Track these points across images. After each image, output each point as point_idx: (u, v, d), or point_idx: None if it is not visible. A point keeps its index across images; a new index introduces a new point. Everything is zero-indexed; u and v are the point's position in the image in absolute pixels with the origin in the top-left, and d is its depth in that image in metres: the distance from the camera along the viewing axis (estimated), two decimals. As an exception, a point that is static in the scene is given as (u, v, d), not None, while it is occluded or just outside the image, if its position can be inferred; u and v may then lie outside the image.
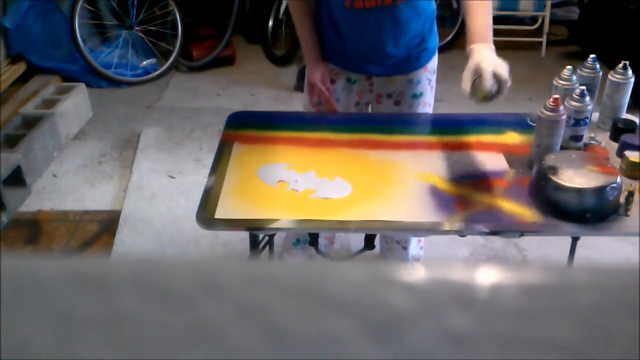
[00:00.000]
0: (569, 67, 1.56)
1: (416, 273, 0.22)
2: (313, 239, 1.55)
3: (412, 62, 1.65)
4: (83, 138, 3.16)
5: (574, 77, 1.56)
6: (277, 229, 1.34)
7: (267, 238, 1.77)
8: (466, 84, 1.35)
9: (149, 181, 2.72)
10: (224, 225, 1.29)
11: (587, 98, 1.44)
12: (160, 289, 0.21)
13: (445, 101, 1.77)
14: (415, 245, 2.01)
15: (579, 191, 1.23)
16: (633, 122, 1.57)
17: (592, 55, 1.60)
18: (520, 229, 1.25)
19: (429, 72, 1.69)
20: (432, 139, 1.62)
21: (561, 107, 1.36)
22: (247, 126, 1.64)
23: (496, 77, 1.34)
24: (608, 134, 1.58)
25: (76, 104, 3.18)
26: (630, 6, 3.61)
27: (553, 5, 4.31)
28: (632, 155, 1.39)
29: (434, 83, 1.73)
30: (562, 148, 1.43)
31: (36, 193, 2.65)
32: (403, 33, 1.58)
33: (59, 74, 3.58)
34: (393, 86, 1.69)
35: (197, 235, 2.27)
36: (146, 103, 3.58)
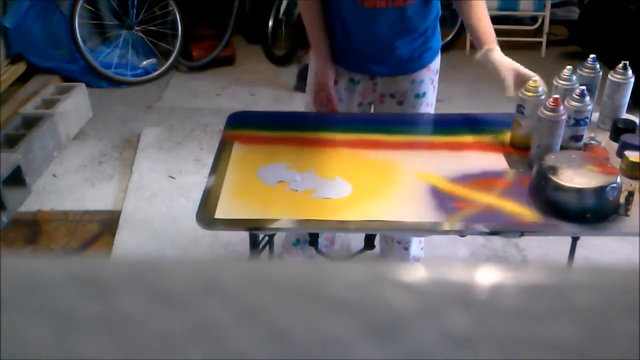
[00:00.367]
0: (569, 67, 1.56)
1: (416, 273, 0.22)
2: (313, 239, 1.55)
3: (415, 61, 1.65)
4: (83, 138, 3.16)
5: (574, 77, 1.56)
6: (277, 229, 1.34)
7: (267, 238, 1.77)
8: (513, 89, 1.47)
9: (149, 181, 2.72)
10: (224, 225, 1.29)
11: (587, 98, 1.44)
12: (160, 289, 0.21)
13: (446, 101, 1.77)
14: (416, 246, 2.01)
15: (579, 191, 1.23)
16: (633, 122, 1.57)
17: (592, 55, 1.60)
18: (520, 229, 1.25)
19: (432, 72, 1.70)
20: (432, 139, 1.62)
21: (561, 107, 1.36)
22: (247, 126, 1.64)
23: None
24: (608, 134, 1.58)
25: (76, 104, 3.18)
26: (630, 6, 3.61)
27: (553, 5, 4.31)
28: (632, 155, 1.39)
29: (436, 83, 1.73)
30: (562, 148, 1.43)
31: (36, 193, 2.65)
32: (409, 33, 1.59)
33: (59, 74, 3.58)
34: (396, 86, 1.69)
35: (197, 236, 2.27)
36: (146, 103, 3.58)
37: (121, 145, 3.08)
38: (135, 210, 2.51)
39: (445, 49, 3.85)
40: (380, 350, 0.19)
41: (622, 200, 1.28)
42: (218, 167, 1.43)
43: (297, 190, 1.35)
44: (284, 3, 4.00)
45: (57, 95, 3.14)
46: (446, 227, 1.25)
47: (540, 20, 4.27)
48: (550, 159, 1.30)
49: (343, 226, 1.28)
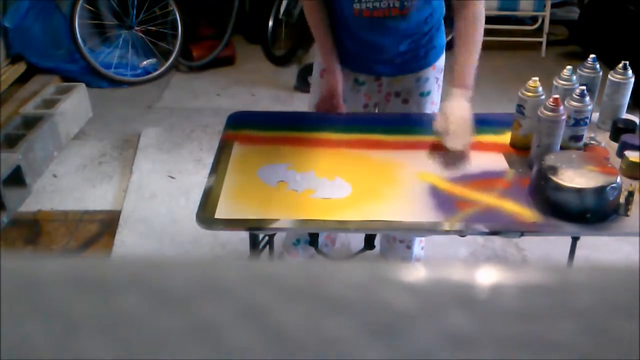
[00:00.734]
0: (569, 67, 1.56)
1: (416, 273, 0.22)
2: (313, 239, 1.55)
3: (420, 60, 1.65)
4: (83, 138, 3.16)
5: (574, 77, 1.56)
6: (277, 229, 1.34)
7: (267, 238, 1.77)
8: (440, 130, 1.46)
9: (149, 181, 2.72)
10: (224, 225, 1.29)
11: (587, 98, 1.44)
12: (160, 289, 0.21)
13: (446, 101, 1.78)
14: (417, 246, 2.00)
15: (579, 191, 1.23)
16: (633, 122, 1.57)
17: (592, 55, 1.60)
18: (520, 229, 1.25)
19: (437, 71, 1.70)
20: (433, 139, 1.62)
21: (561, 107, 1.36)
22: (247, 126, 1.64)
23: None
24: (608, 134, 1.58)
25: (76, 104, 3.18)
26: (630, 6, 3.61)
27: (553, 5, 4.31)
28: (632, 155, 1.39)
29: (441, 82, 1.73)
30: (562, 148, 1.43)
31: (36, 193, 2.65)
32: (412, 36, 1.59)
33: (59, 74, 3.58)
34: (401, 84, 1.69)
35: (197, 236, 2.27)
36: (146, 103, 3.58)
37: (121, 145, 3.08)
38: (135, 210, 2.51)
39: (446, 48, 3.85)
40: (380, 350, 0.19)
41: (622, 200, 1.28)
42: (218, 167, 1.43)
43: (297, 190, 1.35)
44: (284, 3, 4.00)
45: (57, 95, 3.14)
46: (446, 227, 1.25)
47: (540, 20, 4.27)
48: (550, 159, 1.30)
49: (343, 226, 1.28)
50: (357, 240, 2.04)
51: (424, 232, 1.67)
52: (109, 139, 3.13)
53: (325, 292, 0.21)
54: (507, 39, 4.14)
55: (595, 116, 1.62)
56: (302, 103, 3.51)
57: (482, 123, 1.68)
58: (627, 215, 1.26)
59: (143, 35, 3.88)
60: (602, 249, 2.26)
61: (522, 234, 1.26)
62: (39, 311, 0.20)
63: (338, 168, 1.43)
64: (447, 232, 1.27)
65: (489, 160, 1.48)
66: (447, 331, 0.20)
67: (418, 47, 1.62)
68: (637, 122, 1.57)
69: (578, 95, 1.43)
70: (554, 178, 1.25)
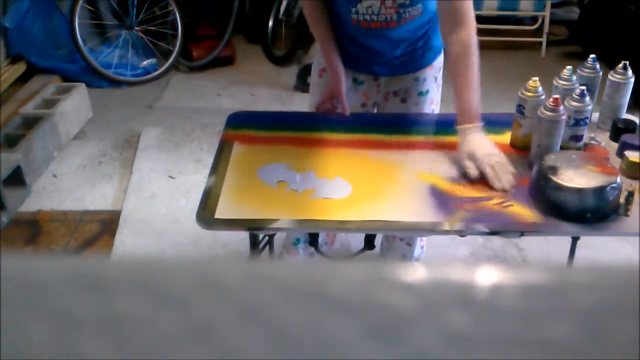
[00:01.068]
0: (569, 67, 1.56)
1: (416, 273, 0.22)
2: (313, 239, 1.55)
3: (417, 61, 1.66)
4: (83, 138, 3.16)
5: (574, 77, 1.56)
6: (277, 229, 1.34)
7: (267, 238, 1.77)
8: (474, 172, 1.36)
9: (149, 181, 2.72)
10: (224, 225, 1.29)
11: (587, 98, 1.44)
12: (160, 289, 0.21)
13: (446, 101, 1.77)
14: (417, 245, 2.00)
15: (579, 191, 1.23)
16: (633, 122, 1.57)
17: (592, 55, 1.60)
18: (520, 229, 1.25)
19: (435, 70, 1.70)
20: (432, 139, 1.62)
21: (561, 107, 1.36)
22: (247, 126, 1.64)
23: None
24: (608, 134, 1.58)
25: (76, 104, 3.18)
26: (630, 6, 3.61)
27: (553, 5, 4.31)
28: (632, 155, 1.39)
29: (440, 81, 1.74)
30: (562, 148, 1.43)
31: (36, 193, 2.65)
32: (408, 40, 1.59)
33: (59, 74, 3.58)
34: (399, 84, 1.70)
35: (197, 236, 2.27)
36: (146, 103, 3.58)
37: (121, 145, 3.08)
38: (135, 210, 2.51)
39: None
40: (380, 350, 0.19)
41: (622, 200, 1.28)
42: (218, 167, 1.43)
43: (297, 190, 1.35)
44: (284, 3, 4.00)
45: (57, 95, 3.14)
46: (446, 227, 1.25)
47: (540, 20, 4.27)
48: (550, 159, 1.30)
49: (343, 226, 1.28)
50: (357, 240, 2.04)
51: (424, 232, 1.67)
52: (109, 139, 3.13)
53: (325, 292, 0.21)
54: (507, 39, 4.14)
55: (595, 116, 1.62)
56: (302, 103, 3.51)
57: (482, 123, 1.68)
58: (627, 215, 1.26)
59: (143, 35, 3.88)
60: (602, 249, 2.26)
61: (522, 234, 1.26)
62: (39, 311, 0.20)
63: (338, 168, 1.43)
64: (447, 232, 1.27)
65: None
66: (447, 331, 0.20)
67: (415, 50, 1.63)
68: (637, 122, 1.57)
69: (578, 95, 1.43)
70: (554, 178, 1.25)
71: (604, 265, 0.22)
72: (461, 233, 1.32)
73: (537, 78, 1.48)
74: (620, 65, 1.56)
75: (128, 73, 3.77)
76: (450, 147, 1.55)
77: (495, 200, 1.32)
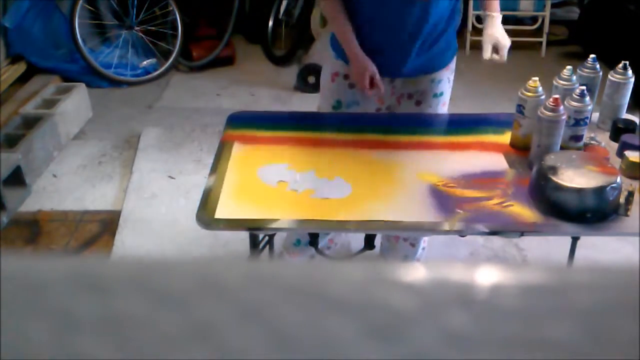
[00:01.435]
0: (569, 67, 1.56)
1: (416, 273, 0.22)
2: (313, 239, 1.55)
3: (435, 60, 1.65)
4: (83, 138, 3.16)
5: (574, 77, 1.56)
6: (277, 229, 1.35)
7: (267, 238, 1.77)
8: (487, 53, 1.59)
9: (149, 181, 2.72)
10: (224, 225, 1.29)
11: (587, 98, 1.44)
12: (160, 289, 0.21)
13: (452, 99, 1.78)
14: (420, 245, 2.00)
15: (579, 191, 1.23)
16: (633, 122, 1.57)
17: (592, 55, 1.60)
18: (520, 229, 1.25)
19: (450, 71, 1.70)
20: (433, 139, 1.62)
21: (561, 107, 1.37)
22: (247, 126, 1.64)
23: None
24: (608, 134, 1.58)
25: (76, 104, 3.18)
26: (630, 6, 3.61)
27: (553, 5, 4.31)
28: (632, 155, 1.39)
29: (452, 82, 1.73)
30: (562, 148, 1.43)
31: (36, 193, 2.65)
32: (433, 30, 1.59)
33: (59, 74, 3.58)
34: (416, 86, 1.69)
35: (197, 236, 2.27)
36: (146, 103, 3.58)
37: (121, 145, 3.08)
38: (135, 210, 2.51)
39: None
40: (380, 350, 0.19)
41: (622, 200, 1.28)
42: (218, 167, 1.43)
43: (297, 190, 1.35)
44: (284, 3, 4.00)
45: (57, 95, 3.14)
46: (446, 227, 1.25)
47: (540, 20, 4.27)
48: (550, 159, 1.30)
49: (343, 226, 1.28)
50: (357, 240, 2.04)
51: (424, 232, 1.67)
52: (109, 139, 3.13)
53: (325, 292, 0.21)
54: (507, 39, 4.13)
55: (595, 116, 1.62)
56: (302, 103, 3.51)
57: (482, 123, 1.68)
58: (627, 215, 1.26)
59: (143, 35, 3.88)
60: (602, 249, 2.26)
61: (522, 234, 1.26)
62: (39, 311, 0.20)
63: (338, 168, 1.43)
64: (447, 232, 1.27)
65: (489, 160, 1.48)
66: (447, 331, 0.20)
67: (433, 46, 1.62)
68: (637, 122, 1.57)
69: (578, 95, 1.43)
70: (554, 178, 1.25)
71: (604, 265, 0.22)
72: (461, 233, 1.32)
73: (537, 78, 1.48)
74: (620, 65, 1.56)
75: (128, 73, 3.77)
76: (451, 147, 1.55)
77: (495, 200, 1.32)
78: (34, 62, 3.52)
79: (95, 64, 3.63)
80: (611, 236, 2.07)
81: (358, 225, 1.26)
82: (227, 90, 3.77)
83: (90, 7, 3.76)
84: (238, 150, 1.51)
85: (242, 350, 0.19)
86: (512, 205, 1.30)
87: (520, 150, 1.50)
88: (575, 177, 1.25)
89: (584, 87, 1.45)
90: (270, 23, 4.03)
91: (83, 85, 3.32)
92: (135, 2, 3.79)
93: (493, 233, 1.27)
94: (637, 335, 0.20)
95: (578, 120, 1.44)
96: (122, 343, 0.20)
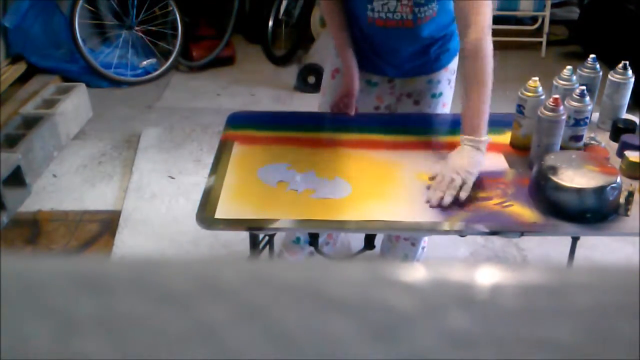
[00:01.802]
0: (569, 67, 1.56)
1: (416, 273, 0.22)
2: (313, 239, 1.55)
3: (432, 63, 1.65)
4: (83, 138, 3.16)
5: (574, 77, 1.56)
6: (277, 229, 1.34)
7: (267, 238, 1.77)
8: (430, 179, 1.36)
9: (149, 181, 2.72)
10: (224, 225, 1.29)
11: (587, 98, 1.44)
12: (160, 289, 0.21)
13: (455, 102, 1.78)
14: (420, 245, 2.00)
15: (579, 191, 1.23)
16: (633, 122, 1.57)
17: (592, 55, 1.60)
18: (520, 229, 1.25)
19: (449, 72, 1.69)
20: (432, 138, 1.62)
21: (561, 107, 1.36)
22: (247, 126, 1.64)
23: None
24: (608, 134, 1.58)
25: (76, 104, 3.18)
26: (630, 6, 3.61)
27: (553, 5, 4.31)
28: (632, 155, 1.39)
29: (453, 83, 1.73)
30: (562, 148, 1.43)
31: (36, 193, 2.65)
32: (425, 44, 1.59)
33: (59, 74, 3.57)
34: (413, 86, 1.69)
35: (197, 236, 2.27)
36: (146, 103, 3.58)
37: (121, 145, 3.08)
38: (135, 210, 2.51)
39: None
40: (380, 351, 0.19)
41: (622, 200, 1.28)
42: (218, 167, 1.43)
43: (297, 190, 1.35)
44: (284, 3, 4.00)
45: (57, 95, 3.14)
46: (446, 227, 1.25)
47: (540, 20, 4.27)
48: (550, 159, 1.30)
49: (343, 226, 1.28)
50: (357, 240, 2.04)
51: (424, 232, 1.67)
52: (109, 139, 3.13)
53: (325, 292, 0.21)
54: (507, 39, 4.14)
55: (595, 116, 1.62)
56: (302, 103, 3.51)
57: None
58: (627, 215, 1.26)
59: (143, 35, 3.87)
60: (602, 249, 2.26)
61: (522, 234, 1.26)
62: (39, 311, 0.20)
63: (338, 168, 1.43)
64: (447, 232, 1.27)
65: (489, 160, 1.47)
66: (447, 331, 0.20)
67: (430, 52, 1.62)
68: (637, 122, 1.57)
69: (578, 95, 1.43)
70: (554, 178, 1.25)
71: (604, 265, 0.22)
72: (461, 233, 1.32)
73: (537, 78, 1.48)
74: (620, 65, 1.56)
75: (128, 73, 3.77)
76: (451, 147, 1.55)
77: (495, 200, 1.32)
78: (34, 62, 3.52)
79: (95, 64, 3.63)
80: (611, 236, 2.07)
81: (358, 225, 1.26)
82: (227, 90, 3.77)
83: (90, 7, 3.76)
84: (238, 150, 1.51)
85: (242, 350, 0.19)
86: (512, 205, 1.30)
87: (520, 150, 1.50)
88: (575, 177, 1.25)
89: (584, 87, 1.45)
90: (270, 23, 4.03)
91: (83, 85, 3.32)
92: (135, 2, 3.79)
93: (493, 233, 1.27)
94: (637, 335, 0.20)
95: (578, 120, 1.44)
96: (122, 343, 0.20)
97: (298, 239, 1.88)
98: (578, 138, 1.47)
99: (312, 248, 1.59)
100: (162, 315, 0.20)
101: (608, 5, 3.84)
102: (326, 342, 0.20)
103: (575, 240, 1.90)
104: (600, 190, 1.23)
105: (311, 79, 3.62)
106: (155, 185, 2.69)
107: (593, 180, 1.24)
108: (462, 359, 0.19)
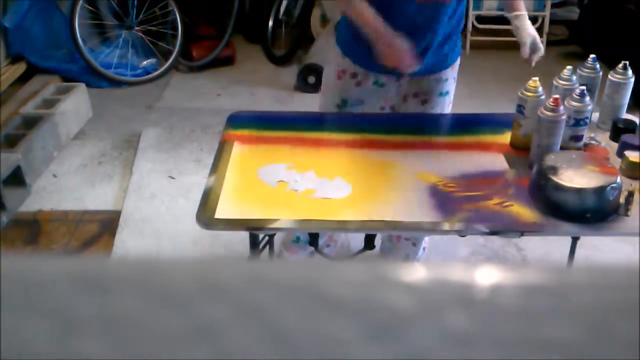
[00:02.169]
0: (569, 67, 1.56)
1: (416, 273, 0.22)
2: (313, 239, 1.55)
3: (442, 61, 1.65)
4: (83, 138, 3.16)
5: (574, 77, 1.56)
6: (277, 229, 1.35)
7: (267, 238, 1.77)
8: (527, 53, 1.60)
9: (149, 181, 2.72)
10: (224, 225, 1.29)
11: (587, 98, 1.44)
12: (160, 289, 0.21)
13: (455, 98, 1.79)
14: (421, 245, 2.00)
15: (579, 191, 1.23)
16: (633, 122, 1.57)
17: (592, 55, 1.60)
18: (520, 229, 1.25)
19: (454, 71, 1.71)
20: (432, 139, 1.62)
21: (561, 107, 1.36)
22: (247, 126, 1.64)
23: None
24: (608, 134, 1.58)
25: (76, 104, 3.18)
26: (630, 6, 3.61)
27: (553, 5, 4.31)
28: (632, 155, 1.39)
29: (456, 81, 1.74)
30: (562, 148, 1.43)
31: (36, 193, 2.65)
32: (444, 31, 1.59)
33: (59, 74, 3.57)
34: (421, 85, 1.68)
35: (197, 236, 2.27)
36: (146, 103, 3.58)
37: (121, 145, 3.08)
38: (135, 210, 2.51)
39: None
40: (380, 350, 0.19)
41: (622, 200, 1.28)
42: (218, 167, 1.43)
43: (297, 190, 1.35)
44: (284, 3, 4.00)
45: (57, 95, 3.14)
46: (446, 227, 1.25)
47: (540, 20, 4.27)
48: (550, 159, 1.30)
49: (343, 226, 1.28)
50: (357, 240, 2.04)
51: (424, 232, 1.67)
52: (109, 139, 3.13)
53: (325, 292, 0.21)
54: (507, 39, 4.13)
55: (595, 116, 1.62)
56: (302, 103, 3.51)
57: (482, 123, 1.68)
58: (627, 215, 1.26)
59: (143, 35, 3.87)
60: (602, 249, 2.26)
61: (522, 234, 1.26)
62: (39, 311, 0.20)
63: (338, 168, 1.43)
64: (447, 232, 1.27)
65: (489, 160, 1.48)
66: (447, 331, 0.20)
67: (444, 46, 1.62)
68: (637, 122, 1.57)
69: (578, 95, 1.43)
70: (554, 178, 1.25)
71: (604, 265, 0.22)
72: (461, 233, 1.32)
73: (537, 78, 1.48)
74: (620, 65, 1.56)
75: (128, 73, 3.77)
76: (451, 147, 1.55)
77: (495, 200, 1.32)
78: (34, 62, 3.52)
79: (95, 64, 3.63)
80: (611, 236, 2.07)
81: (358, 225, 1.26)
82: (227, 90, 3.77)
83: (90, 7, 3.76)
84: (238, 150, 1.51)
85: (242, 350, 0.19)
86: (512, 205, 1.30)
87: (520, 150, 1.50)
88: (575, 177, 1.25)
89: (584, 87, 1.45)
90: (270, 23, 4.03)
91: (83, 85, 3.32)
92: (135, 2, 3.79)
93: (493, 233, 1.27)
94: (637, 335, 0.20)
95: (578, 120, 1.44)
96: (122, 343, 0.20)
97: (298, 238, 1.88)
98: (578, 138, 1.47)
99: (312, 249, 1.59)
100: (162, 315, 0.20)
101: (608, 5, 3.84)
102: (326, 342, 0.20)
103: (575, 240, 1.90)
104: (600, 190, 1.23)
105: (311, 79, 3.62)
106: (155, 185, 2.69)
107: (593, 180, 1.24)
108: (462, 359, 0.19)
